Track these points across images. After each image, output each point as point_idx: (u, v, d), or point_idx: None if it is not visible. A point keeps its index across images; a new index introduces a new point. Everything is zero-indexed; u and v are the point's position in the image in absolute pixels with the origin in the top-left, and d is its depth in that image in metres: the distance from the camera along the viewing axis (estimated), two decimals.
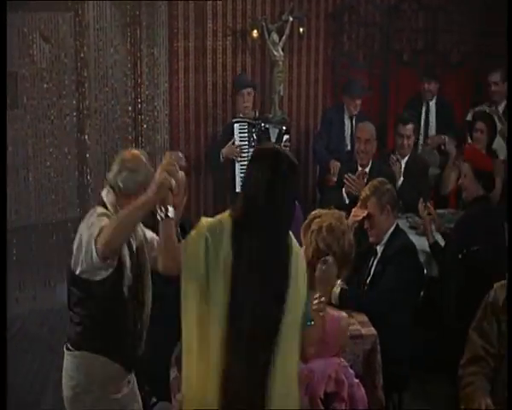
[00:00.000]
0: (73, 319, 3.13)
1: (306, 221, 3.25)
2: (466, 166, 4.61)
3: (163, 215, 2.58)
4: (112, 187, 3.10)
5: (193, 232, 2.45)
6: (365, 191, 4.09)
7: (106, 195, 3.12)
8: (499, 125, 5.57)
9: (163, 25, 6.04)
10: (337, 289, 3.87)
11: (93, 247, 2.84)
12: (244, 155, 5.56)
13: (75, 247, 2.99)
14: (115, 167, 3.12)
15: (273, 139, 5.58)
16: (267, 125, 5.70)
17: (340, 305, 3.81)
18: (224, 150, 5.59)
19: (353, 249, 3.21)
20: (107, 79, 6.08)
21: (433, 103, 6.18)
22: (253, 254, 2.41)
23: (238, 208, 2.47)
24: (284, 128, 5.68)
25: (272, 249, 2.45)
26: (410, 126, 5.46)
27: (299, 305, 2.52)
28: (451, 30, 6.76)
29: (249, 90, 5.79)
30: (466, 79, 6.89)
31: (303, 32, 6.47)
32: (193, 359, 2.43)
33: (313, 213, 3.31)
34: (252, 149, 5.41)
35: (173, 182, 2.54)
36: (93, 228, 2.89)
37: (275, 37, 6.16)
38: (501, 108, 5.88)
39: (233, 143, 5.59)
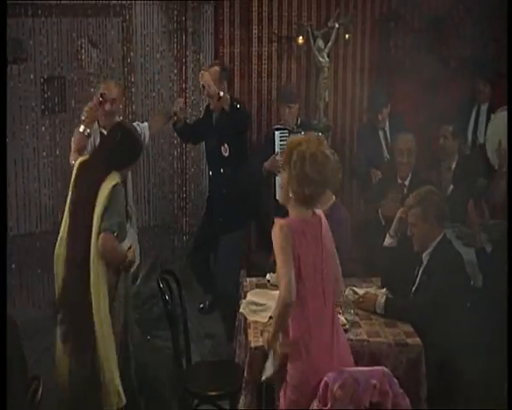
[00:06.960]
0: None
1: (287, 149, 3.16)
2: None
3: None
4: None
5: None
6: (410, 200, 4.04)
7: None
8: None
9: (209, 31, 6.09)
10: (382, 299, 3.85)
11: None
12: None
13: None
14: None
15: None
16: None
17: (385, 314, 3.80)
18: (266, 164, 5.36)
19: (337, 175, 3.43)
20: (154, 85, 6.15)
21: (485, 107, 6.04)
22: None
23: None
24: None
25: None
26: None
27: None
28: (500, 38, 6.65)
29: (292, 104, 5.56)
30: None
31: (349, 38, 6.44)
32: None
33: (292, 140, 3.23)
34: None
35: None
36: None
37: (320, 43, 6.14)
38: None
39: (275, 155, 5.34)
